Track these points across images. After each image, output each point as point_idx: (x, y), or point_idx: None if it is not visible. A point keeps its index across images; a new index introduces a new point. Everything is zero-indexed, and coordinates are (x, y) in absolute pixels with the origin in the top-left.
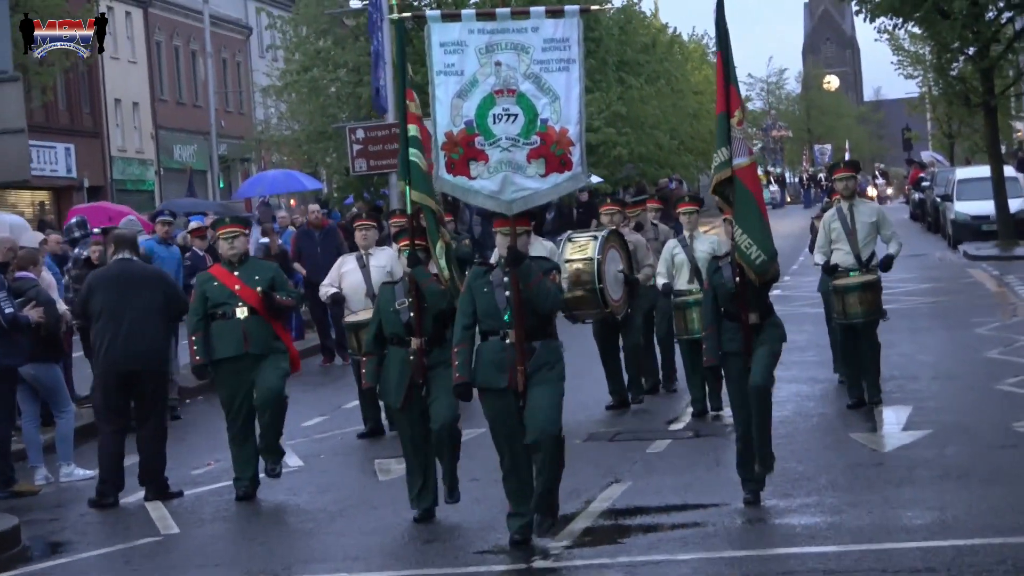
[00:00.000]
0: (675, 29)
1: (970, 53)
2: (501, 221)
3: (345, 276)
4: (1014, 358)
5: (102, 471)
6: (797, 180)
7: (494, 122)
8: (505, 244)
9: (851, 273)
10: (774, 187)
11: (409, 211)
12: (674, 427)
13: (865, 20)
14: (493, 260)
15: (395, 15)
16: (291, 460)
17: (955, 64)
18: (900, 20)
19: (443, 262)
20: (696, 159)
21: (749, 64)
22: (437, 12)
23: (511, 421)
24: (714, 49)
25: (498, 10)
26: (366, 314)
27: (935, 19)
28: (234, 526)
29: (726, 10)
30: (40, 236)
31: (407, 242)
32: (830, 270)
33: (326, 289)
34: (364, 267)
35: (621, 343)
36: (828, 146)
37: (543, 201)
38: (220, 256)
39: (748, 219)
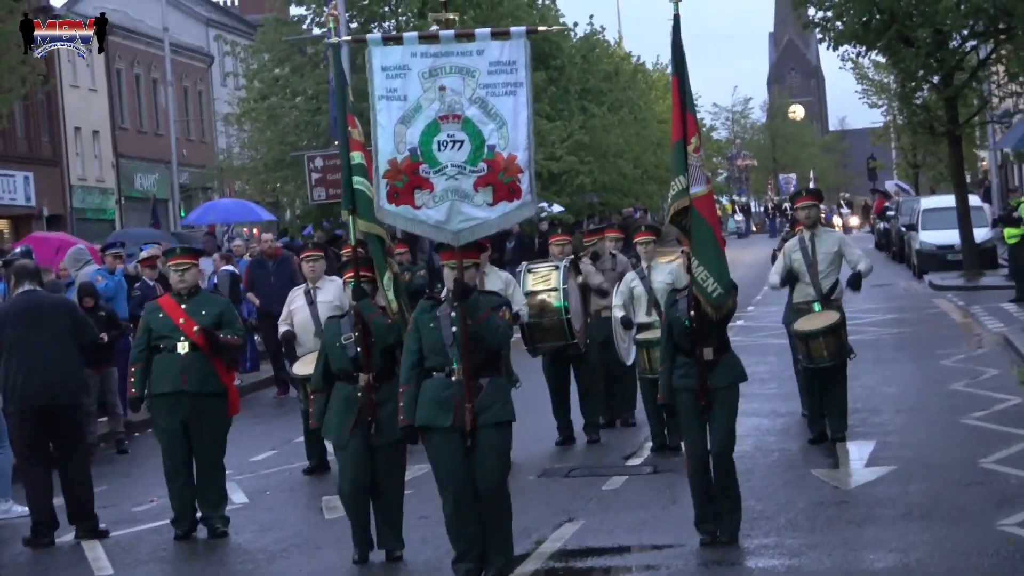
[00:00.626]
0: (639, 58)
1: (934, 82)
2: (448, 253)
3: (295, 313)
4: (979, 391)
5: (33, 512)
6: (762, 209)
7: (439, 149)
8: (452, 277)
9: (814, 306)
10: (739, 216)
11: (353, 241)
12: (632, 462)
13: (828, 48)
14: (443, 295)
15: (333, 39)
16: (236, 496)
17: (919, 93)
18: (864, 48)
19: (391, 294)
20: (660, 188)
21: (714, 94)
22: (378, 35)
23: (456, 461)
24: None
25: (442, 32)
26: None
27: (899, 48)
28: (169, 567)
29: (683, 35)
30: None
31: (352, 274)
32: (785, 283)
33: (281, 327)
34: (312, 303)
35: (574, 378)
36: (793, 175)
37: (492, 231)
38: (170, 287)
39: (705, 250)
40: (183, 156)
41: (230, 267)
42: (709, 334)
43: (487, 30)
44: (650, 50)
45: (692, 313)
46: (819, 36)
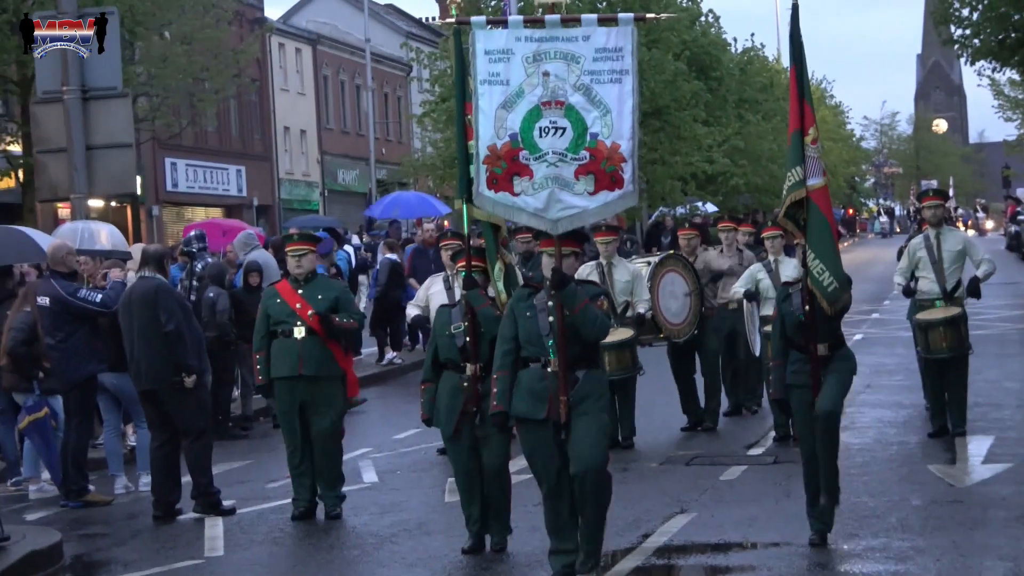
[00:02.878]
0: None
1: None
2: (547, 241)
3: (432, 298)
4: None
5: (152, 488)
6: (905, 212)
7: (540, 135)
8: (550, 265)
9: (936, 303)
10: (884, 218)
11: (465, 230)
12: (753, 451)
13: (966, 63)
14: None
15: (449, 20)
16: (367, 475)
17: None
18: (999, 64)
19: (501, 285)
20: None
21: (864, 107)
22: (482, 18)
23: (550, 454)
24: (830, 93)
25: (547, 16)
26: None
27: None
28: (279, 550)
29: (804, 31)
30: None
31: (463, 263)
32: (908, 292)
33: (411, 310)
34: (450, 288)
35: (699, 368)
36: (934, 181)
37: (591, 220)
38: (287, 272)
39: (821, 244)
40: (381, 154)
41: (392, 255)
42: (823, 329)
43: (593, 16)
44: (809, 67)
45: (806, 308)
46: (957, 50)
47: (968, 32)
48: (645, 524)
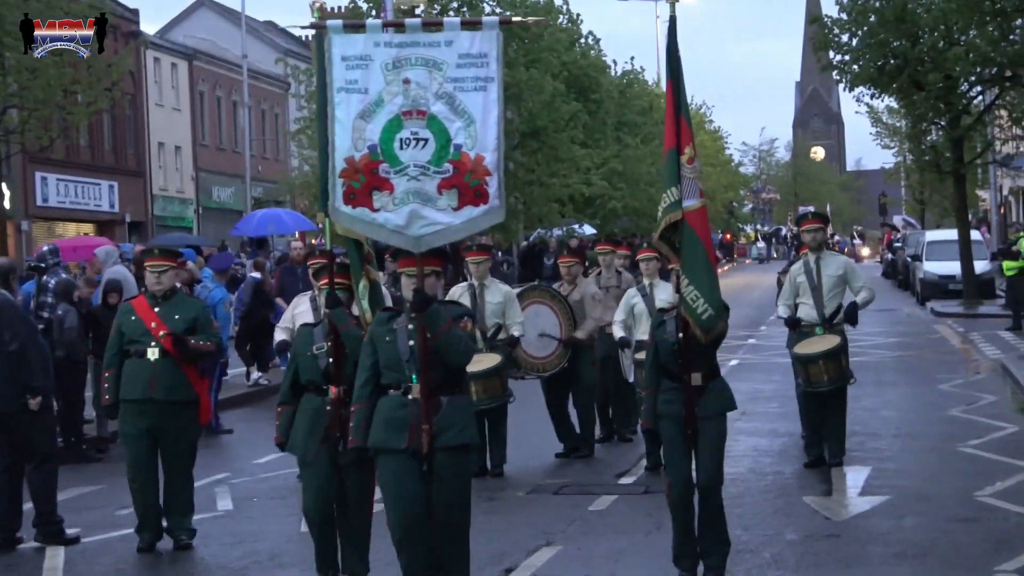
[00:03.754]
0: None
1: (943, 124)
2: (407, 260)
3: (299, 318)
4: (976, 417)
5: None
6: (784, 237)
7: (401, 147)
8: (411, 286)
9: (816, 330)
10: (761, 244)
11: (328, 246)
12: (624, 480)
13: (845, 89)
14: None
15: (304, 25)
16: (222, 503)
17: (929, 136)
18: (878, 91)
19: (366, 303)
20: None
21: (744, 134)
22: (338, 22)
23: (408, 486)
24: (710, 118)
25: (407, 20)
26: None
27: (910, 91)
28: None
29: (681, 52)
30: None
31: (326, 280)
32: (793, 324)
33: (278, 333)
34: (316, 309)
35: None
36: (812, 208)
37: (456, 238)
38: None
39: (696, 268)
40: (258, 172)
41: (257, 274)
42: (698, 358)
43: (456, 19)
44: (688, 90)
45: (680, 335)
46: (836, 77)
47: (847, 58)
48: (509, 558)
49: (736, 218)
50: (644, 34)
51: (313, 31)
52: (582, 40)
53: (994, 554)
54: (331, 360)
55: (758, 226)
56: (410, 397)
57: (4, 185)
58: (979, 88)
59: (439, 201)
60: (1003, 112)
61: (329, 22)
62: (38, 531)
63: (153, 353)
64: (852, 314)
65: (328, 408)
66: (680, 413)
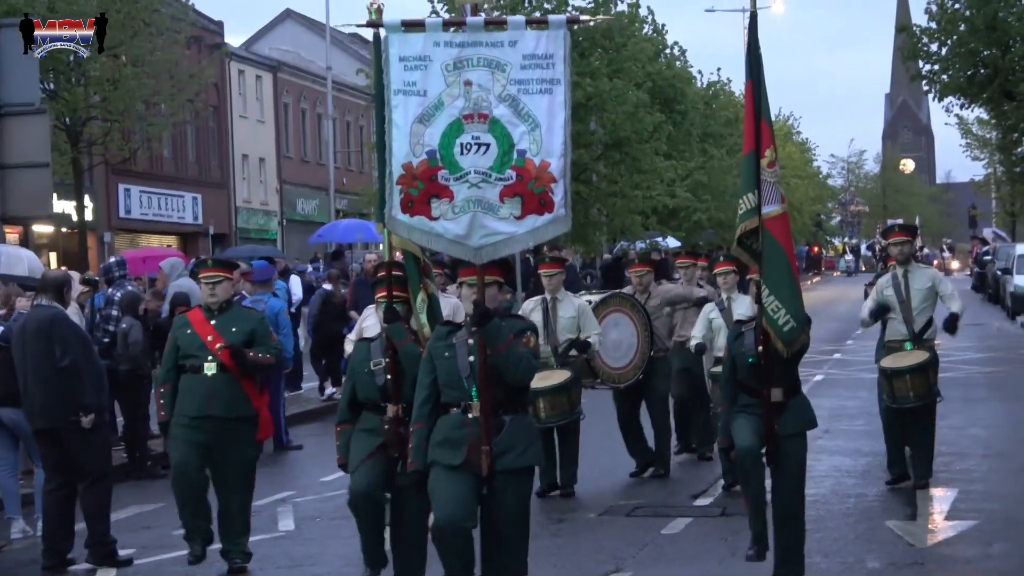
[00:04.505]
0: None
1: None
2: (467, 270)
3: (366, 331)
4: None
5: (43, 535)
6: (869, 250)
7: (462, 152)
8: (470, 298)
9: (906, 345)
10: (849, 256)
11: (387, 257)
12: (700, 502)
13: (934, 99)
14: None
15: (363, 23)
16: (283, 523)
17: (1020, 147)
18: (967, 100)
19: (424, 318)
20: None
21: (832, 146)
22: (397, 20)
23: (460, 501)
24: (797, 129)
25: (469, 19)
26: None
27: (1001, 101)
28: None
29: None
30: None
31: (383, 293)
32: (880, 312)
33: (348, 346)
34: None
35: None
36: (900, 220)
37: (519, 248)
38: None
39: (777, 279)
40: (342, 184)
41: (328, 286)
42: (778, 373)
43: (521, 18)
44: (773, 103)
45: (760, 349)
46: (925, 87)
47: (937, 68)
48: None
49: (824, 230)
50: (731, 45)
51: (367, 27)
52: (667, 51)
53: None
54: (388, 377)
55: (846, 239)
56: (470, 416)
57: (87, 197)
58: None
59: (501, 210)
60: None
61: (386, 20)
62: (90, 552)
63: (210, 368)
64: (953, 325)
65: (386, 427)
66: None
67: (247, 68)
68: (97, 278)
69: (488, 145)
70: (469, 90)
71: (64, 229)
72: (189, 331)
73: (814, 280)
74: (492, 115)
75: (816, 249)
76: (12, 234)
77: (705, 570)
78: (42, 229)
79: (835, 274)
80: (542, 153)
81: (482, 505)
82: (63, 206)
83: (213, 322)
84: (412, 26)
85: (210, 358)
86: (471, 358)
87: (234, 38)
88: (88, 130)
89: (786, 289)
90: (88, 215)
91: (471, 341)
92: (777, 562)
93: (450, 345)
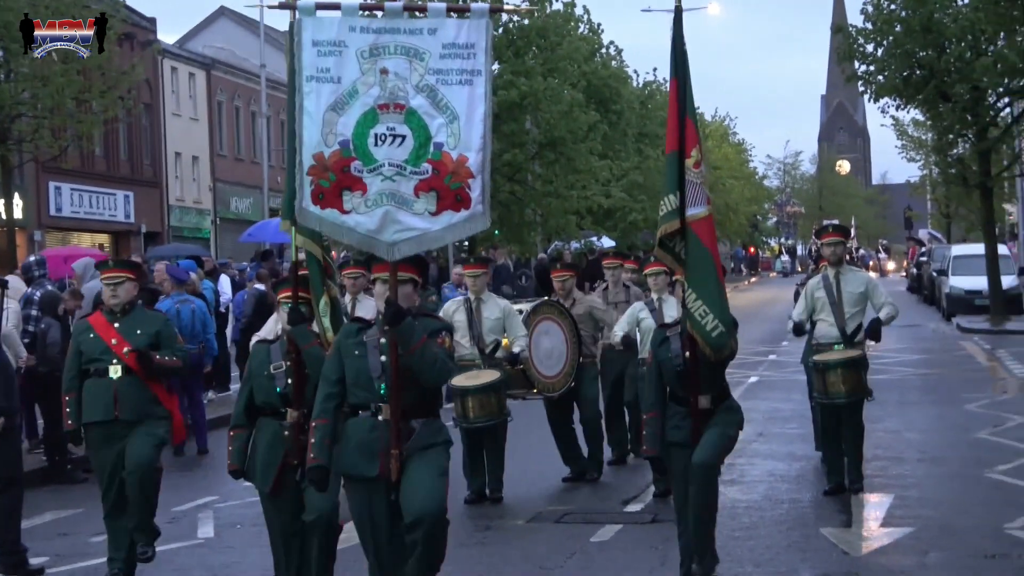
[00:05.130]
0: (698, 107)
1: (969, 136)
2: (380, 267)
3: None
4: (1004, 440)
5: None
6: (806, 251)
7: (376, 143)
8: (383, 295)
9: (835, 347)
10: (785, 257)
11: (294, 256)
12: (632, 507)
13: (870, 100)
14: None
15: (271, 5)
16: (202, 530)
17: (955, 149)
18: (903, 102)
19: (327, 321)
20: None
21: (769, 147)
22: (310, 1)
23: (381, 517)
24: (733, 130)
25: (387, 3)
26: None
27: (936, 102)
28: None
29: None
30: None
31: (287, 293)
32: (799, 331)
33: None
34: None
35: (577, 416)
36: (836, 220)
37: (434, 245)
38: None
39: (704, 283)
40: (276, 182)
41: (261, 286)
42: (706, 379)
43: (442, 5)
44: (711, 103)
45: (686, 354)
46: (861, 87)
47: (872, 68)
48: None
49: (760, 231)
50: (667, 45)
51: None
52: (603, 50)
53: None
54: (289, 381)
55: (782, 239)
56: (380, 419)
57: (16, 194)
58: (1007, 100)
59: (416, 204)
60: None
61: (299, 2)
62: (0, 562)
63: (115, 371)
64: (876, 330)
65: (287, 433)
66: (689, 440)
67: (180, 65)
68: (6, 279)
69: (404, 137)
70: (385, 79)
71: None
72: (92, 335)
73: (751, 280)
74: (409, 105)
75: (752, 250)
76: None
77: None
78: None
79: (771, 275)
80: (460, 147)
81: (395, 513)
82: None
83: (116, 325)
84: (326, 7)
85: (115, 361)
86: (383, 358)
87: (168, 35)
88: (17, 127)
89: (713, 293)
90: (18, 213)
91: (383, 340)
92: (694, 542)
93: (360, 343)
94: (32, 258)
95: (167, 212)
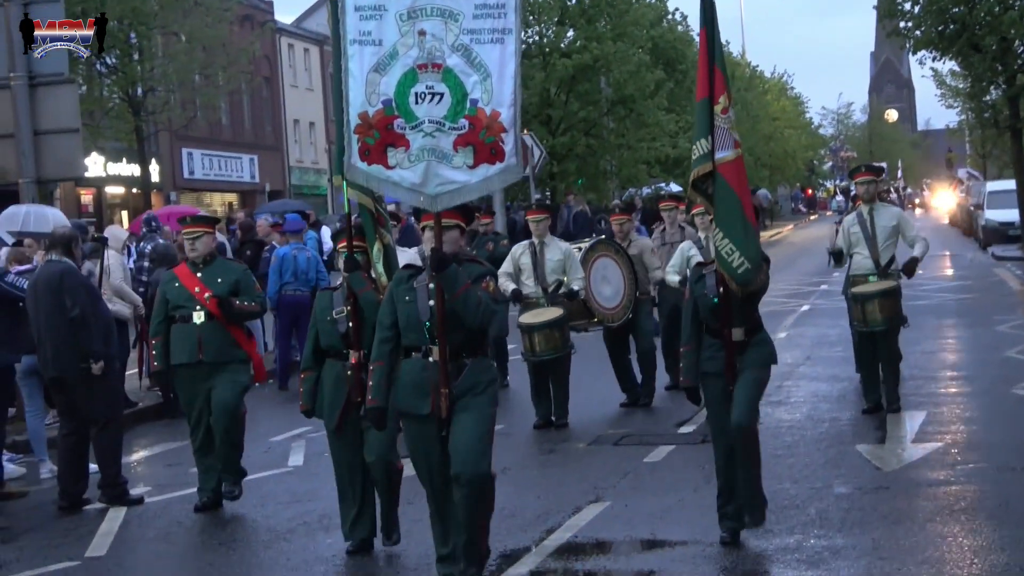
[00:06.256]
0: (758, 66)
1: (1000, 83)
2: (428, 214)
3: None
4: None
5: (58, 477)
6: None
7: (416, 102)
8: (430, 243)
9: (870, 278)
10: (840, 197)
11: (347, 208)
12: (684, 429)
13: (909, 53)
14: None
15: None
16: (292, 459)
17: (987, 96)
18: (939, 54)
19: (380, 267)
20: (772, 173)
21: (822, 98)
22: None
23: (433, 453)
24: (791, 85)
25: None
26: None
27: (969, 53)
28: (164, 548)
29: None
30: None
31: (344, 243)
32: (838, 257)
33: None
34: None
35: (633, 347)
36: (884, 164)
37: (473, 197)
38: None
39: (730, 222)
40: None
41: None
42: (738, 313)
43: None
44: (770, 60)
45: (720, 290)
46: (902, 44)
47: (911, 24)
48: (554, 516)
49: (816, 175)
50: (729, 12)
51: None
52: (669, 16)
53: None
54: (351, 325)
55: (837, 181)
56: (431, 360)
57: (153, 160)
58: None
59: (454, 159)
60: None
61: None
62: (103, 493)
63: (199, 317)
64: (911, 268)
65: (349, 374)
66: (722, 370)
67: (296, 42)
68: (106, 236)
69: (442, 95)
70: (423, 40)
71: (135, 190)
72: (177, 284)
73: (810, 219)
74: (446, 64)
75: (810, 192)
76: (87, 195)
77: (679, 498)
78: (114, 190)
79: (828, 213)
80: (492, 103)
81: (445, 449)
82: (131, 169)
83: (199, 274)
84: None
85: (198, 307)
86: (431, 302)
87: (285, 16)
88: (150, 100)
89: (739, 232)
90: (155, 177)
91: (431, 286)
92: (740, 495)
93: (411, 289)
94: (144, 215)
95: (288, 173)
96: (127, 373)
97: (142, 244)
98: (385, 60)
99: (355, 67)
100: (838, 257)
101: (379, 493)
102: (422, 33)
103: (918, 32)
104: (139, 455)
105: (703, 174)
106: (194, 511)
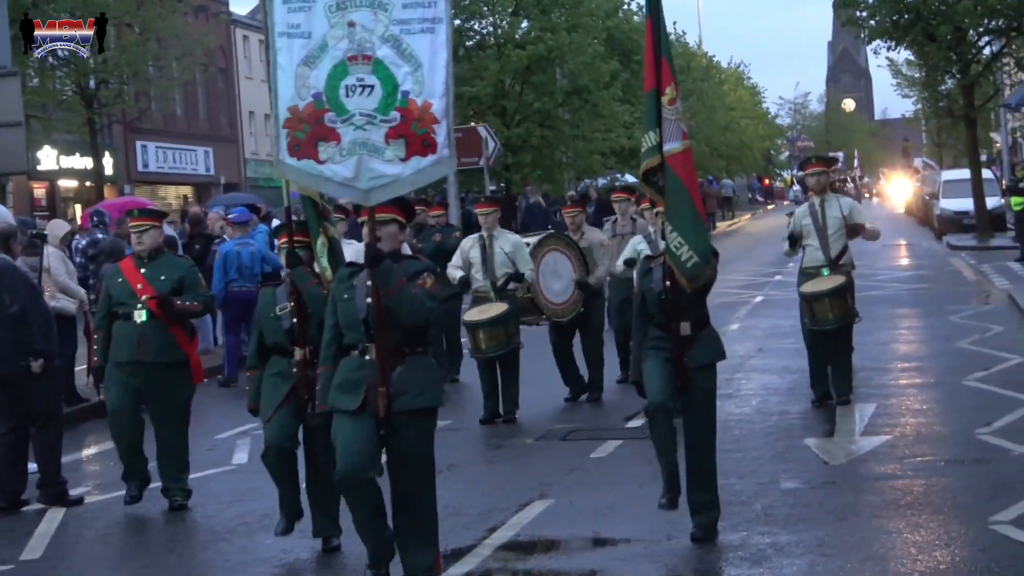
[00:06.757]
0: (714, 56)
1: (954, 73)
2: (366, 210)
3: None
4: (983, 349)
5: None
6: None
7: (347, 95)
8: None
9: (823, 271)
10: (796, 187)
11: (286, 203)
12: (633, 423)
13: (864, 42)
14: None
15: None
16: (237, 456)
17: (942, 85)
18: (893, 43)
19: (324, 261)
20: (728, 164)
21: (780, 88)
22: None
23: (359, 446)
24: (748, 75)
25: None
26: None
27: (923, 43)
28: (101, 550)
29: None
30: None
31: (285, 238)
32: (793, 241)
33: None
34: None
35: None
36: (841, 153)
37: (406, 190)
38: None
39: (679, 215)
40: None
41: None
42: (686, 307)
43: None
44: (725, 53)
45: (667, 284)
46: (857, 33)
47: (865, 14)
48: (498, 514)
49: (774, 165)
50: (689, 1)
51: None
52: (624, 7)
53: (990, 502)
54: (295, 321)
55: (794, 171)
56: (367, 358)
57: (107, 153)
58: (987, 38)
59: (386, 152)
60: (1010, 60)
61: None
62: (41, 493)
63: (140, 315)
64: (855, 231)
65: (294, 370)
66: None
67: (251, 33)
68: (45, 232)
69: (372, 87)
70: (353, 31)
71: (88, 183)
72: (120, 280)
73: (767, 208)
74: (376, 56)
75: (767, 182)
76: (40, 189)
77: (624, 495)
78: (68, 183)
79: (785, 203)
80: (424, 94)
81: (386, 448)
82: (85, 162)
83: (143, 270)
84: None
85: (139, 306)
86: (368, 299)
87: (240, 7)
88: (102, 92)
89: (688, 224)
90: (109, 170)
91: (369, 283)
92: (690, 491)
93: (350, 287)
94: (90, 209)
95: (243, 165)
96: (76, 369)
97: (77, 238)
98: (315, 53)
99: (284, 60)
100: (795, 241)
101: (276, 481)
102: (351, 24)
103: (873, 22)
104: (87, 452)
105: (652, 166)
106: (124, 504)
